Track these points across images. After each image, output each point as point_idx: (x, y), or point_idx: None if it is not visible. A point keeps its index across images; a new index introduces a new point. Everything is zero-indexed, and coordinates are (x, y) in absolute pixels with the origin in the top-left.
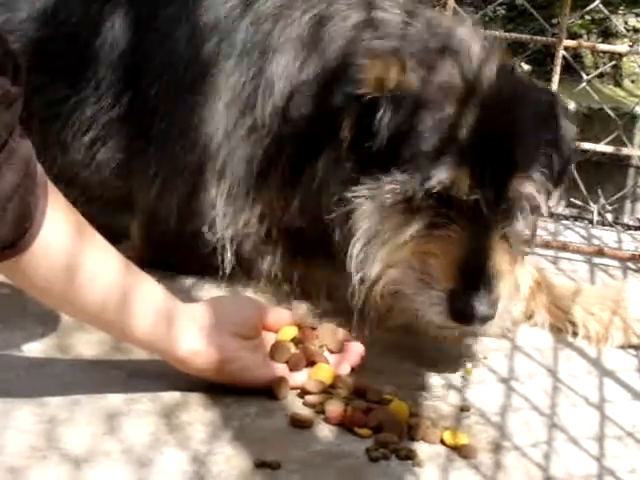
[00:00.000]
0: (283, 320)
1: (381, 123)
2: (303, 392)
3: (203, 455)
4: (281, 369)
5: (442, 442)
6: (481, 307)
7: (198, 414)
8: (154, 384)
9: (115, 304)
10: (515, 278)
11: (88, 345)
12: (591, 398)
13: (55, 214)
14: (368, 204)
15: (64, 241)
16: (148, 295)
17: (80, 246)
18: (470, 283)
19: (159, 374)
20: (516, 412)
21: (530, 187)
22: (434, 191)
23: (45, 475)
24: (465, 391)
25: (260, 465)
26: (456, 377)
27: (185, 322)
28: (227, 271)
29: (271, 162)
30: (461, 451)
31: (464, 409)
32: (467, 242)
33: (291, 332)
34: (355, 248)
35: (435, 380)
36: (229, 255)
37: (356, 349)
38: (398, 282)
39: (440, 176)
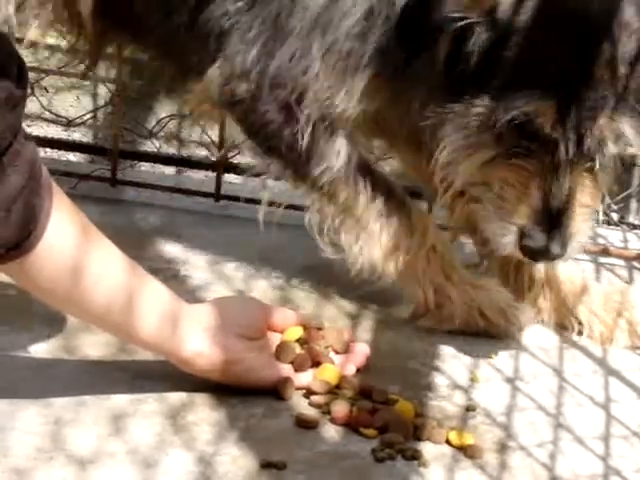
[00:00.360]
0: (288, 320)
1: (474, 47)
2: (309, 392)
3: (209, 456)
4: (286, 370)
5: (448, 442)
6: (551, 246)
7: (204, 415)
8: (160, 385)
9: (120, 306)
10: (590, 213)
11: (94, 346)
12: (597, 397)
13: (60, 215)
14: (457, 121)
15: (69, 243)
16: (153, 297)
17: (85, 248)
18: (543, 221)
19: (164, 375)
20: (522, 412)
21: (617, 127)
22: (517, 122)
23: (51, 476)
24: (471, 391)
25: (266, 465)
26: (462, 377)
27: (190, 323)
28: (298, 153)
29: (382, 51)
30: (467, 451)
31: (470, 409)
32: (545, 177)
33: (297, 333)
34: (441, 154)
35: (440, 380)
36: (307, 137)
37: (361, 350)
38: (475, 201)
39: (524, 107)
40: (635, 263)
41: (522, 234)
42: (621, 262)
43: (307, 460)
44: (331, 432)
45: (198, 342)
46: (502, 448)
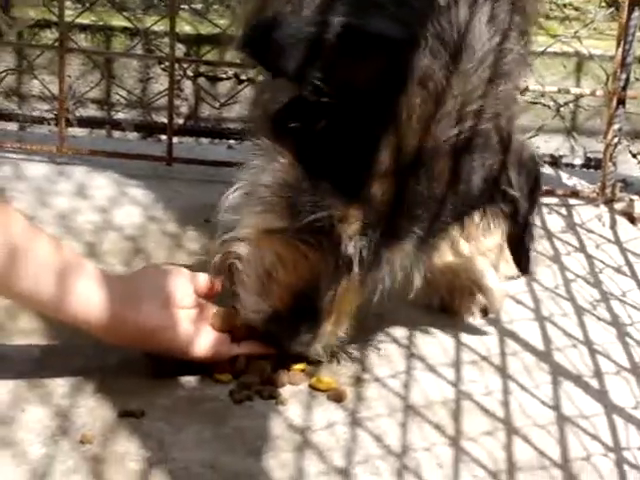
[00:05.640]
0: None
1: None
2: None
3: (66, 409)
4: (223, 338)
5: (312, 387)
6: (290, 341)
7: (58, 369)
8: (12, 343)
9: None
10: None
11: None
12: (447, 327)
13: None
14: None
15: None
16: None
17: None
18: (294, 314)
19: (17, 333)
20: (376, 346)
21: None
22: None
23: None
24: None
25: (124, 414)
26: None
27: (105, 292)
28: None
29: None
30: (331, 395)
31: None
32: (319, 274)
33: None
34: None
35: None
36: None
37: None
38: (240, 256)
39: (332, 210)
40: None
41: (270, 317)
42: None
43: (165, 406)
44: (188, 378)
45: (116, 310)
46: (358, 381)
